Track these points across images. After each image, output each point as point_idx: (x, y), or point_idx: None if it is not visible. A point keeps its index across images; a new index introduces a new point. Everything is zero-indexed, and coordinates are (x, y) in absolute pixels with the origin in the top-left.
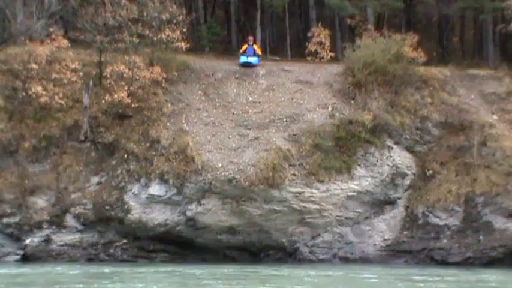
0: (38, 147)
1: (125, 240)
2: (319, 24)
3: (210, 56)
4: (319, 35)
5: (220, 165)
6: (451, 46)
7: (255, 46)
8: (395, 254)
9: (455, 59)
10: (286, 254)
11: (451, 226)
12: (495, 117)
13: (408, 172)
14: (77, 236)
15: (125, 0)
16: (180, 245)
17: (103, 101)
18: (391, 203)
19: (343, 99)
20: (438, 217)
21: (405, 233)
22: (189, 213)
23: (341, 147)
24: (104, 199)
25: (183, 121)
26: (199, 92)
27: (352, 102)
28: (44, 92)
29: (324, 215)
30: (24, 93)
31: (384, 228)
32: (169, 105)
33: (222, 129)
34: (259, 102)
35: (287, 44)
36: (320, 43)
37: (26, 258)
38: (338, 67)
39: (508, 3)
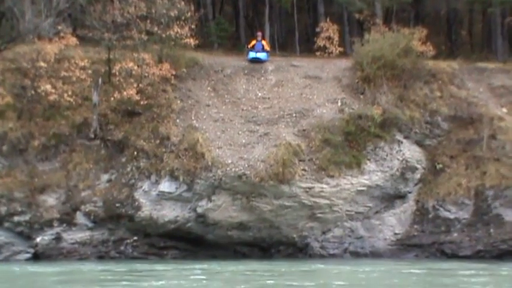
0: (47, 145)
1: (135, 238)
2: (328, 19)
3: (218, 52)
4: (328, 30)
5: (230, 161)
6: (459, 40)
7: (263, 42)
8: (405, 248)
9: (463, 52)
10: (297, 250)
11: (461, 219)
12: (504, 110)
13: (418, 166)
14: (87, 234)
15: None
16: (190, 242)
17: (112, 99)
18: (402, 197)
19: (352, 94)
20: (448, 211)
21: (415, 227)
22: (199, 210)
23: (351, 142)
24: (114, 196)
25: (193, 118)
26: (209, 88)
27: (362, 96)
28: (53, 90)
29: (334, 210)
30: (33, 92)
31: (394, 223)
32: (179, 101)
33: (232, 125)
34: (269, 98)
35: (296, 39)
36: (329, 38)
37: (37, 257)
38: (347, 62)
39: None
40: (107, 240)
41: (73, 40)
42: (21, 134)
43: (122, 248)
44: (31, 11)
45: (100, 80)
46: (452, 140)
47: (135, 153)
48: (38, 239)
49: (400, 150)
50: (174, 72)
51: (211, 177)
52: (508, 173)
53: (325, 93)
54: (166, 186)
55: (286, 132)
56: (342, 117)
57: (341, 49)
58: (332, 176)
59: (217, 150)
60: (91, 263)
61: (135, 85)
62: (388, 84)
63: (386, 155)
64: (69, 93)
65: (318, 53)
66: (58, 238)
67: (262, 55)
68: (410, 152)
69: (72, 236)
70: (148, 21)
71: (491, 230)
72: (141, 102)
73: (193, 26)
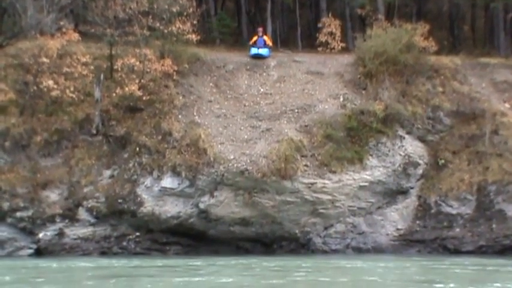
0: (49, 141)
1: (137, 233)
2: (330, 15)
3: (220, 47)
4: (330, 25)
5: (232, 157)
6: (462, 35)
7: (265, 37)
8: (408, 243)
9: (466, 47)
10: (299, 245)
11: (463, 215)
12: (507, 105)
13: (420, 161)
14: (89, 230)
15: None
16: (192, 238)
17: (114, 94)
18: (404, 192)
19: (354, 90)
20: (451, 206)
21: (418, 222)
22: (201, 206)
23: (353, 137)
24: (116, 192)
25: (195, 113)
26: (211, 84)
27: (364, 92)
28: (55, 86)
29: (336, 205)
30: (35, 88)
31: (396, 218)
32: (181, 97)
33: (234, 121)
34: (271, 94)
35: (298, 35)
36: (331, 34)
37: (40, 252)
38: (349, 57)
39: None
40: (110, 236)
41: (75, 36)
42: (24, 130)
43: (125, 243)
44: (33, 6)
45: (102, 75)
46: (455, 136)
47: (137, 149)
48: (41, 235)
49: (403, 146)
50: (176, 68)
51: (213, 173)
52: (510, 168)
53: (327, 89)
54: (168, 182)
55: (288, 127)
56: (344, 112)
57: (343, 45)
58: (334, 172)
59: (219, 146)
60: (119, 258)
61: (137, 81)
62: (390, 79)
63: (389, 151)
64: (72, 89)
65: (320, 49)
66: (60, 234)
67: (264, 51)
68: (413, 147)
69: (75, 232)
70: (150, 16)
71: (494, 226)
72: (143, 98)
73: (195, 22)
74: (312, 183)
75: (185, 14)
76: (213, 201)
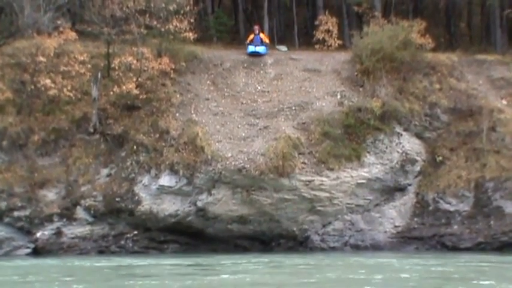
0: (47, 140)
1: (135, 232)
2: (327, 12)
3: (218, 45)
4: (327, 23)
5: (229, 154)
6: (458, 32)
7: (261, 35)
8: (406, 240)
9: (462, 44)
10: (297, 243)
11: (461, 212)
12: (504, 102)
13: (418, 158)
14: (87, 229)
15: None
16: (190, 236)
17: (111, 93)
18: (402, 189)
19: (351, 87)
20: (449, 203)
21: (416, 219)
22: (199, 204)
23: (350, 134)
24: (114, 191)
25: (192, 111)
26: (208, 82)
27: (361, 89)
28: (52, 85)
29: (334, 203)
30: (32, 87)
31: (394, 215)
32: (178, 95)
33: (231, 119)
34: (268, 91)
35: (295, 33)
36: (328, 31)
37: (37, 252)
38: (346, 55)
39: None
40: (107, 234)
41: (72, 35)
42: (21, 129)
43: (122, 242)
44: (30, 6)
45: (99, 74)
46: (452, 133)
47: (135, 147)
48: (38, 234)
49: (400, 143)
50: (173, 66)
51: (211, 171)
52: (508, 165)
53: (325, 86)
54: (166, 180)
55: (286, 125)
56: (342, 110)
57: (340, 42)
58: (332, 169)
59: (216, 143)
60: (147, 258)
61: (134, 79)
62: (388, 76)
63: (386, 148)
64: (69, 87)
65: (317, 46)
66: (58, 233)
67: (261, 49)
68: (410, 144)
69: (73, 231)
70: (147, 15)
71: (492, 222)
72: (141, 97)
73: (192, 20)
74: (310, 181)
75: (182, 12)
76: (211, 199)
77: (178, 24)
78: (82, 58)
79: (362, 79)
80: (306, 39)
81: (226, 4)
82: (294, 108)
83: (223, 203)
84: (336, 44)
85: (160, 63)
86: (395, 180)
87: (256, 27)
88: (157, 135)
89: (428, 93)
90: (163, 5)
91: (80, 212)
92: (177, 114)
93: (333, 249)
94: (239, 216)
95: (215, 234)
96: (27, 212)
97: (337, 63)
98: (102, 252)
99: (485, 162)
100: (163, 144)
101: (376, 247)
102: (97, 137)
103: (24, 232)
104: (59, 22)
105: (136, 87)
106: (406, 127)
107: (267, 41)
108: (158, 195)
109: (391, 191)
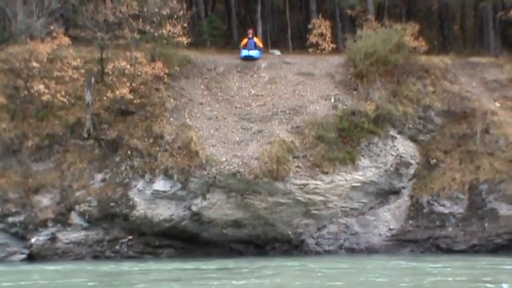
0: (41, 145)
1: (130, 237)
2: (320, 16)
3: (211, 50)
4: (320, 26)
5: (224, 159)
6: (451, 34)
7: (255, 39)
8: (400, 243)
9: (456, 47)
10: (292, 246)
11: (456, 214)
12: (497, 104)
13: (412, 161)
14: (82, 234)
15: None
16: (185, 240)
17: (105, 98)
18: (396, 192)
19: (345, 90)
20: (443, 205)
21: (410, 222)
22: (194, 208)
23: (344, 138)
24: (108, 196)
25: (186, 116)
26: (202, 86)
27: (355, 93)
28: (46, 90)
29: (329, 206)
30: (26, 92)
31: (389, 218)
32: (172, 100)
33: (225, 123)
34: (262, 95)
35: (288, 36)
36: (321, 35)
37: (32, 257)
38: (340, 58)
39: None
40: (102, 239)
41: (65, 40)
42: (15, 135)
43: (117, 247)
44: (23, 11)
45: (93, 79)
46: (446, 135)
47: (129, 152)
48: (33, 240)
49: (394, 146)
50: (167, 71)
51: (205, 176)
52: (501, 167)
53: (318, 90)
54: (160, 185)
55: (280, 129)
56: (336, 113)
57: (333, 45)
58: (326, 173)
59: (211, 148)
60: (142, 262)
61: (128, 84)
62: (381, 80)
63: (380, 151)
64: (62, 93)
65: (310, 50)
66: (53, 238)
67: (254, 53)
68: (404, 147)
69: (67, 236)
70: (140, 20)
71: (486, 224)
72: (134, 101)
73: (185, 25)
74: (304, 184)
75: (175, 16)
76: (206, 204)
77: (171, 28)
78: (75, 63)
79: (356, 82)
80: (300, 43)
81: (220, 8)
82: (288, 112)
83: (217, 207)
84: (330, 48)
85: (154, 68)
86: (390, 183)
87: (249, 31)
88: (152, 140)
89: (422, 96)
90: (157, 10)
91: (74, 217)
92: (171, 119)
93: (328, 252)
94: (234, 221)
95: (210, 238)
96: (21, 218)
97: (330, 67)
98: (97, 257)
99: (479, 165)
100: (158, 149)
101: (371, 250)
102: (91, 142)
103: (18, 238)
104: (52, 27)
105: (130, 92)
106: (400, 130)
107: (261, 45)
108: (153, 200)
109: (385, 194)
